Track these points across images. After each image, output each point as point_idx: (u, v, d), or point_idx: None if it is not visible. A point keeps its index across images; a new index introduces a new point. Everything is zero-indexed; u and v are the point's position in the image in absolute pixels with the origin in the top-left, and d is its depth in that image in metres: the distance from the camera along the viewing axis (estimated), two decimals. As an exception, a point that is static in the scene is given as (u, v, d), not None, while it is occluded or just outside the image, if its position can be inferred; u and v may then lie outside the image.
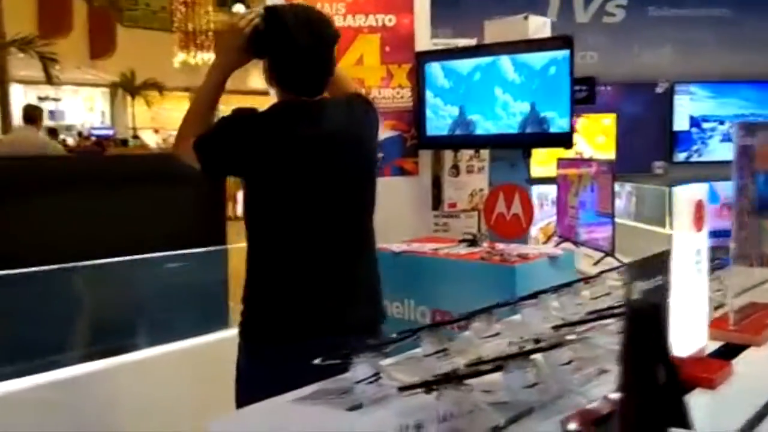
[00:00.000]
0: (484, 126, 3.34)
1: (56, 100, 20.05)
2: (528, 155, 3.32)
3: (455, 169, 3.77)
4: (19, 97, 18.10)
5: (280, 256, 2.05)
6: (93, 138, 15.51)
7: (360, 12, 3.61)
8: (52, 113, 19.91)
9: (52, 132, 12.13)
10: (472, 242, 3.16)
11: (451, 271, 3.02)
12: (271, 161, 1.99)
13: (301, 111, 2.04)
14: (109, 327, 3.09)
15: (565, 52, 3.06)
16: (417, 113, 3.54)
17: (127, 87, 21.55)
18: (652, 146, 8.92)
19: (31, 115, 7.22)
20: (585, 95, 3.99)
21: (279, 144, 1.99)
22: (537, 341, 1.43)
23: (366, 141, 2.15)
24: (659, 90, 8.75)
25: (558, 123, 3.11)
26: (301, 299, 2.04)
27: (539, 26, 3.35)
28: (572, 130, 3.09)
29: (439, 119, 3.49)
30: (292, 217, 2.03)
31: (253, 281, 2.09)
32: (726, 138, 9.02)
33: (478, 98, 3.33)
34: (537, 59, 3.14)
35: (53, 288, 3.01)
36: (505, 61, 3.22)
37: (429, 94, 3.48)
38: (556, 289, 1.67)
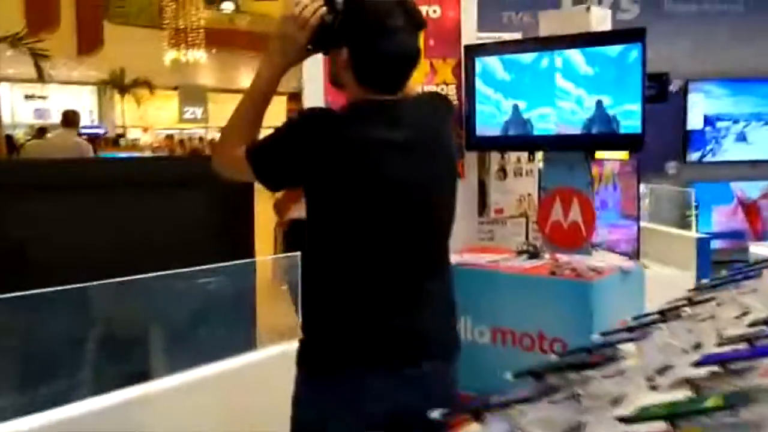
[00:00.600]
0: (542, 125, 3.06)
1: (42, 98, 19.63)
2: (592, 157, 3.05)
3: (502, 172, 3.50)
4: (5, 95, 17.68)
5: (349, 277, 1.79)
6: (84, 137, 15.12)
7: (402, 2, 3.32)
8: (38, 111, 19.50)
9: (42, 131, 11.81)
10: (533, 254, 2.90)
11: (515, 286, 2.75)
12: (342, 169, 1.72)
13: (382, 112, 1.76)
14: (122, 353, 2.80)
15: (638, 46, 2.78)
16: (466, 111, 3.26)
17: (117, 84, 21.16)
18: (665, 145, 8.68)
19: (71, 119, 7.69)
20: (656, 92, 3.71)
21: (353, 150, 1.72)
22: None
23: (450, 146, 1.92)
24: (673, 88, 8.51)
25: (628, 123, 2.84)
26: (372, 324, 1.79)
27: (601, 18, 3.07)
28: (644, 130, 2.81)
29: (489, 118, 3.20)
30: (366, 233, 1.77)
31: (316, 304, 1.84)
32: (741, 137, 8.83)
33: (538, 95, 3.05)
34: (607, 53, 2.86)
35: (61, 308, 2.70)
36: (571, 55, 2.94)
37: (488, 90, 3.18)
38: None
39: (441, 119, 1.92)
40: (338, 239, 1.78)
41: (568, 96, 2.99)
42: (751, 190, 8.97)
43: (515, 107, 3.12)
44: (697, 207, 8.49)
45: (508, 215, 3.50)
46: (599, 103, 2.88)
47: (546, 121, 3.04)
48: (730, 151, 8.80)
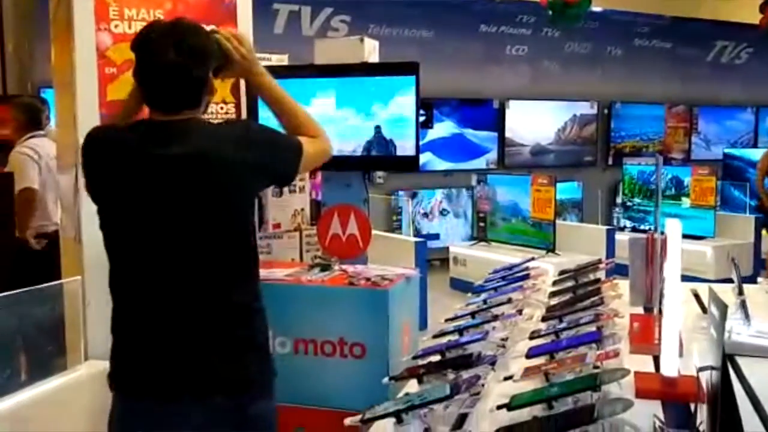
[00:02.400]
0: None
1: None
2: (369, 177, 3.35)
3: (279, 189, 3.66)
4: None
5: (113, 295, 1.93)
6: None
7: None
8: None
9: None
10: (325, 267, 3.12)
11: (316, 298, 2.95)
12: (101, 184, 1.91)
13: (146, 127, 1.88)
14: None
15: (412, 78, 3.15)
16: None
17: None
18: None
19: None
20: (424, 119, 4.12)
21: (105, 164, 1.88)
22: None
23: (222, 168, 1.83)
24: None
25: (404, 146, 3.19)
26: (126, 351, 1.90)
27: (372, 49, 3.39)
28: (417, 153, 3.18)
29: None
30: (116, 242, 1.91)
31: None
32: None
33: (318, 119, 3.26)
34: (383, 83, 3.19)
35: None
36: (348, 83, 3.21)
37: (263, 113, 3.32)
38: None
39: (222, 140, 1.85)
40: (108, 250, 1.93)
41: (345, 122, 3.25)
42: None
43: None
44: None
45: (284, 230, 3.68)
46: (378, 128, 3.19)
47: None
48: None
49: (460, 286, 7.88)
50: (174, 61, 1.78)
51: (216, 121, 2.17)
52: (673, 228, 1.71)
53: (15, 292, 2.70)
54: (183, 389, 1.80)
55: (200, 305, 1.83)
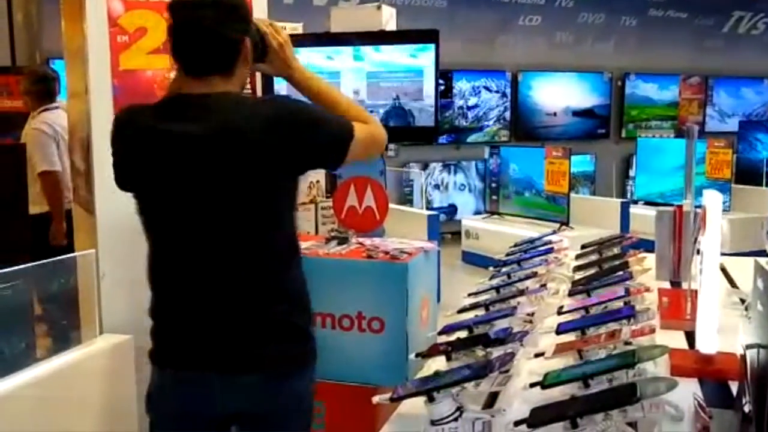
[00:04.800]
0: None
1: None
2: (386, 148, 3.28)
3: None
4: None
5: (149, 272, 1.88)
6: None
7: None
8: None
9: None
10: (342, 240, 3.06)
11: (334, 271, 2.89)
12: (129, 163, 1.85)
13: (175, 104, 1.81)
14: None
15: (431, 46, 3.06)
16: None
17: None
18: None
19: None
20: (444, 88, 4.04)
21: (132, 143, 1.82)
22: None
23: (252, 143, 1.74)
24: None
25: (423, 117, 3.12)
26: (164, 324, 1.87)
27: (390, 16, 3.30)
28: (437, 124, 3.11)
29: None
30: (150, 224, 1.86)
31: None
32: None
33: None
34: (402, 51, 3.10)
35: None
36: (366, 52, 3.13)
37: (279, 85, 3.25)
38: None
39: (250, 118, 1.75)
40: (147, 232, 1.86)
41: (362, 91, 3.18)
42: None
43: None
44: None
45: (299, 202, 3.62)
46: (397, 98, 3.12)
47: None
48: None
49: (473, 259, 7.84)
50: (209, 17, 1.72)
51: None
52: (712, 199, 1.64)
53: (29, 265, 2.65)
54: (224, 365, 1.78)
55: (241, 285, 1.79)
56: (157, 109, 1.82)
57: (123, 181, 1.87)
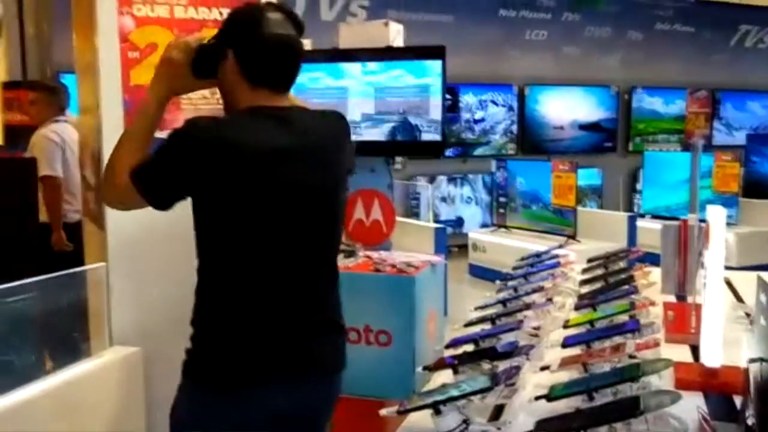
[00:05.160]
0: (349, 132, 3.25)
1: None
2: (393, 162, 3.31)
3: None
4: None
5: (238, 289, 1.81)
6: None
7: (203, 5, 3.29)
8: None
9: None
10: (350, 253, 3.09)
11: (341, 284, 2.91)
12: (230, 177, 1.73)
13: (271, 118, 1.78)
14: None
15: (438, 62, 3.10)
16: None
17: None
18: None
19: None
20: (450, 103, 4.07)
21: (240, 156, 1.72)
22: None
23: (339, 158, 1.90)
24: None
25: (430, 132, 3.14)
26: (259, 337, 1.82)
27: (397, 32, 3.34)
28: (444, 139, 3.14)
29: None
30: (258, 242, 1.79)
31: (205, 313, 1.84)
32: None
33: (342, 105, 3.23)
34: (409, 67, 3.14)
35: None
36: (374, 68, 3.16)
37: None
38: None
39: (331, 130, 1.90)
40: (232, 249, 1.79)
41: (369, 107, 3.21)
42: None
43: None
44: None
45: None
46: (404, 113, 3.15)
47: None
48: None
49: (480, 273, 7.84)
50: (294, 34, 1.79)
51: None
52: (715, 214, 1.65)
53: (41, 278, 2.69)
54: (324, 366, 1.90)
55: (327, 292, 1.94)
56: (261, 122, 1.78)
57: (205, 198, 1.78)
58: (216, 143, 1.71)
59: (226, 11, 3.31)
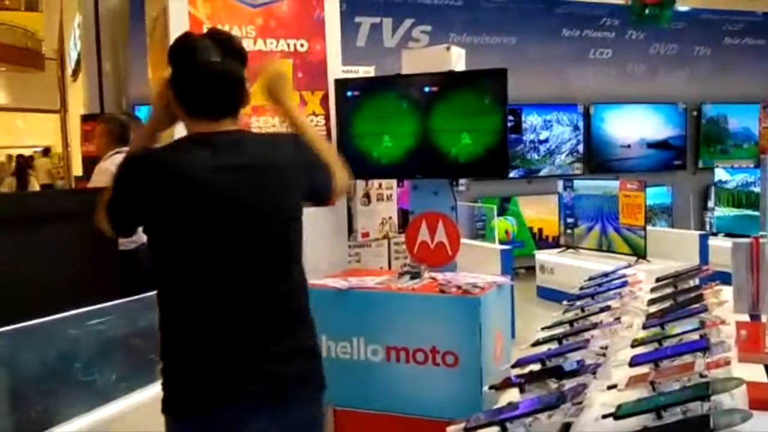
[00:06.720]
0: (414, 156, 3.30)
1: None
2: (456, 183, 3.34)
3: (366, 198, 3.69)
4: None
5: (181, 317, 1.84)
6: None
7: (271, 36, 3.42)
8: None
9: None
10: (415, 275, 3.12)
11: (406, 305, 2.95)
12: (168, 202, 1.79)
13: (204, 142, 1.81)
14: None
15: (500, 85, 3.12)
16: (339, 141, 3.42)
17: None
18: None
19: None
20: (513, 124, 4.10)
21: (167, 181, 1.78)
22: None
23: (286, 179, 1.88)
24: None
25: (494, 153, 3.17)
26: (203, 362, 1.82)
27: (458, 56, 3.38)
28: (507, 159, 3.15)
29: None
30: (190, 269, 1.82)
31: (162, 344, 1.87)
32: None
33: (407, 129, 3.29)
34: (471, 90, 3.17)
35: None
36: (438, 92, 3.21)
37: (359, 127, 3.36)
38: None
39: (275, 151, 1.89)
40: (172, 278, 1.83)
41: (434, 130, 3.26)
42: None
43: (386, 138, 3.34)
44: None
45: (372, 238, 3.70)
46: (467, 135, 3.18)
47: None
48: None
49: (548, 295, 7.75)
50: (220, 61, 1.80)
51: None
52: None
53: (118, 301, 2.81)
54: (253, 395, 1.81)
55: (282, 313, 1.86)
56: (200, 147, 1.81)
57: (150, 219, 1.84)
58: (148, 168, 1.80)
59: (292, 42, 3.45)
